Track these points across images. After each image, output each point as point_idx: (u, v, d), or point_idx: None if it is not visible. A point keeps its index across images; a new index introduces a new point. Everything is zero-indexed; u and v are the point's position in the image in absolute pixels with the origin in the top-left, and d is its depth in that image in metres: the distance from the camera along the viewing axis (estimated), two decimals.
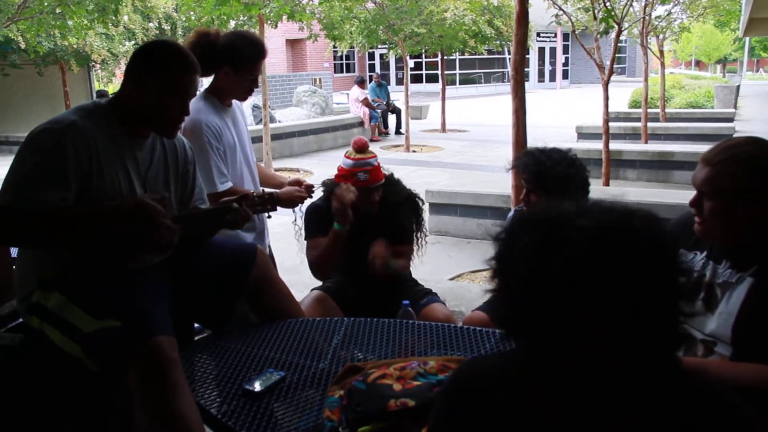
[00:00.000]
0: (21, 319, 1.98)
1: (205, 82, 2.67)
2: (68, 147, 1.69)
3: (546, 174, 2.34)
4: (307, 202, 2.69)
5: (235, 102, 2.72)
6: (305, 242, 2.70)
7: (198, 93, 2.50)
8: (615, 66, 6.80)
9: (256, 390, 1.67)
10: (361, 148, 2.57)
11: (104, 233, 1.70)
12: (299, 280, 2.76)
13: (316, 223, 2.67)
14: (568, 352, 0.87)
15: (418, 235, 2.73)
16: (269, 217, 2.33)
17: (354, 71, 29.06)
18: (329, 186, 2.67)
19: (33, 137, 1.71)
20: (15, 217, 1.63)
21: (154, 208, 1.68)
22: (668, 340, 0.89)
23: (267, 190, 2.33)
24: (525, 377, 0.92)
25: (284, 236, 2.81)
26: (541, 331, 0.88)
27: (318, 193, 2.72)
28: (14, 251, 2.33)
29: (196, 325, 2.29)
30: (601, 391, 0.88)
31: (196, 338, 2.21)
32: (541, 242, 0.86)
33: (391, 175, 2.72)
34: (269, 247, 2.96)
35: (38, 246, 1.78)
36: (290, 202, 2.57)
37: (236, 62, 2.47)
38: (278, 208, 2.35)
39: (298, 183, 2.69)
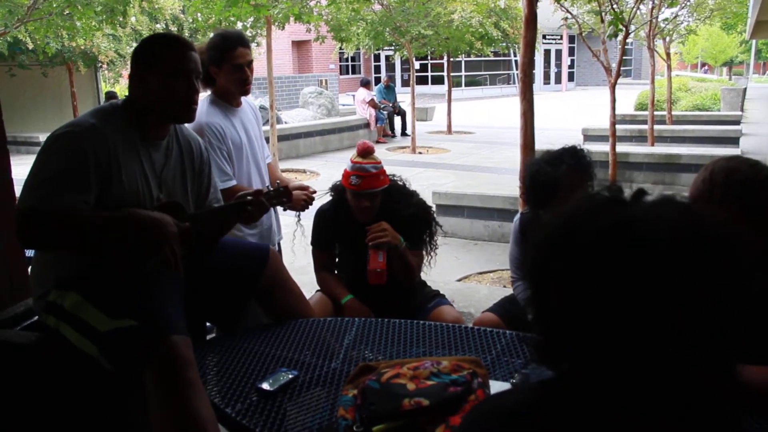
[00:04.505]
0: (36, 318, 2.00)
1: None
2: (89, 150, 1.71)
3: (589, 163, 2.49)
4: (315, 205, 2.71)
5: (247, 102, 2.81)
6: (311, 246, 2.72)
7: (205, 97, 2.66)
8: (621, 69, 6.80)
9: (269, 389, 1.69)
10: (362, 152, 2.55)
11: (116, 241, 1.73)
12: (309, 280, 2.77)
13: (323, 230, 2.69)
14: (593, 384, 0.75)
15: (429, 248, 2.70)
16: (285, 209, 2.38)
17: (360, 73, 29.08)
18: (338, 189, 2.68)
19: (53, 140, 1.73)
20: (38, 220, 1.65)
21: (166, 232, 1.72)
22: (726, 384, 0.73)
23: (281, 182, 2.37)
24: (541, 417, 0.79)
25: (293, 237, 2.83)
26: (577, 354, 0.75)
27: (326, 198, 2.73)
28: (29, 251, 2.36)
29: (207, 324, 2.31)
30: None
31: (207, 337, 2.22)
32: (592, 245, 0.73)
33: (404, 186, 2.68)
34: (279, 245, 2.99)
35: (58, 248, 1.80)
36: (295, 205, 2.60)
37: (214, 59, 2.61)
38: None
39: (303, 189, 2.72)
